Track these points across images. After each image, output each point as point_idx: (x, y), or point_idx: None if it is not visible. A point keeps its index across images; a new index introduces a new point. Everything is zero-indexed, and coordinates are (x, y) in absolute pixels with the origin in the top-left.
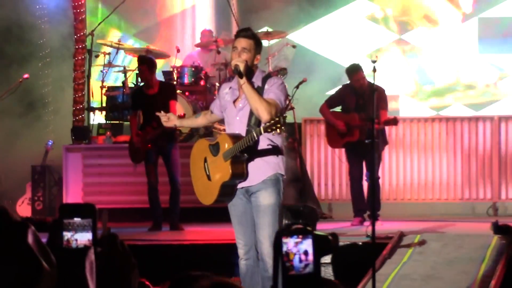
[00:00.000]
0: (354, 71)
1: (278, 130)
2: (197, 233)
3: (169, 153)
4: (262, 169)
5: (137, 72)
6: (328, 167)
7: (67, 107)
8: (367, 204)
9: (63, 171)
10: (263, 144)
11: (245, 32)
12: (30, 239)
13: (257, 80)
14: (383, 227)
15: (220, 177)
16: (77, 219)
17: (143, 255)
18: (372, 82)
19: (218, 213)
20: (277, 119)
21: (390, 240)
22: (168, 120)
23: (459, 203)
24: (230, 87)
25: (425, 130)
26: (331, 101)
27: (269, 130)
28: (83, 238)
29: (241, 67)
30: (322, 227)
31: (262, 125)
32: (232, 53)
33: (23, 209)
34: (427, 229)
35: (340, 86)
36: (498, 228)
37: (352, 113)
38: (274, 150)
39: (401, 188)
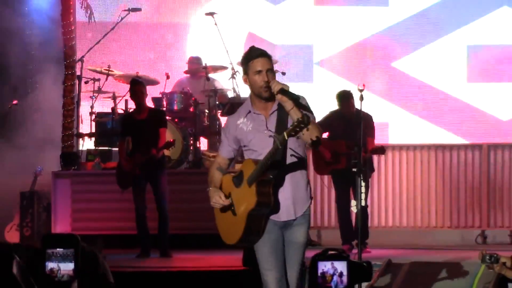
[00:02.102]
0: (347, 98)
1: (303, 130)
2: (185, 260)
3: (157, 179)
4: (302, 200)
5: (132, 94)
6: (316, 194)
7: (56, 133)
8: (355, 231)
9: (51, 197)
10: (289, 158)
11: (262, 51)
12: (15, 269)
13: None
14: (371, 254)
15: (246, 206)
16: (59, 249)
17: (131, 282)
18: (359, 109)
19: (208, 240)
20: (300, 118)
21: (378, 268)
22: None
23: (448, 230)
24: (247, 113)
25: (414, 158)
26: None
27: (293, 133)
28: (66, 268)
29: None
30: (311, 254)
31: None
32: (255, 77)
33: (12, 235)
34: (415, 257)
35: (327, 112)
36: (485, 257)
37: (339, 140)
38: (301, 164)
39: (390, 216)
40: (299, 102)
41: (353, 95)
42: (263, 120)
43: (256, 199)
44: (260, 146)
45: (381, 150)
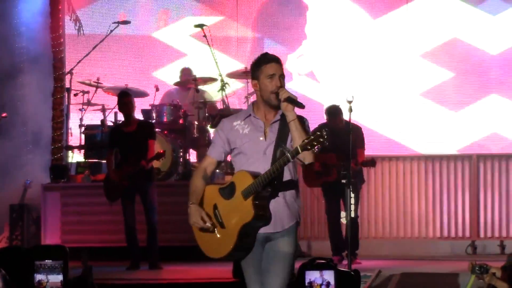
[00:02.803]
0: (336, 114)
1: (320, 144)
2: (175, 272)
3: (146, 191)
4: (286, 215)
5: (121, 105)
6: (306, 205)
7: (45, 145)
8: (345, 242)
9: (41, 210)
10: (286, 175)
11: (276, 56)
12: (0, 283)
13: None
14: (362, 265)
15: (239, 220)
16: (48, 261)
17: None
18: (348, 121)
19: (198, 252)
20: (318, 133)
21: (368, 279)
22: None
23: (438, 241)
24: (247, 117)
25: (404, 168)
26: None
27: (309, 146)
28: (55, 280)
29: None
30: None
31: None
32: (267, 81)
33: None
34: (405, 268)
35: (316, 126)
36: (475, 268)
37: (330, 152)
38: (295, 185)
39: (380, 226)
40: (301, 117)
41: (342, 111)
42: (261, 126)
43: (254, 212)
44: (253, 151)
45: (372, 163)
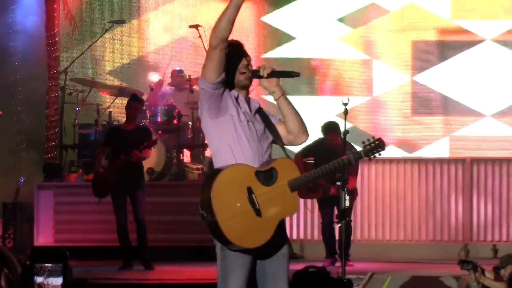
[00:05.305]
0: (328, 130)
1: (379, 154)
2: (168, 272)
3: (135, 191)
4: None
5: (129, 108)
6: (299, 208)
7: (39, 144)
8: (338, 246)
9: (34, 209)
10: None
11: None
12: (3, 281)
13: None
14: (354, 268)
15: (280, 211)
16: (48, 264)
17: None
18: (346, 141)
19: (190, 252)
20: (377, 142)
21: (361, 282)
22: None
23: (431, 244)
24: (237, 98)
25: (397, 172)
26: (304, 151)
27: (370, 153)
28: (55, 282)
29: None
30: (294, 268)
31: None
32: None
33: None
34: (398, 270)
35: (317, 138)
36: (464, 264)
37: None
38: None
39: (373, 229)
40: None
41: (338, 130)
42: (248, 113)
43: (297, 208)
44: (247, 134)
45: (354, 193)
